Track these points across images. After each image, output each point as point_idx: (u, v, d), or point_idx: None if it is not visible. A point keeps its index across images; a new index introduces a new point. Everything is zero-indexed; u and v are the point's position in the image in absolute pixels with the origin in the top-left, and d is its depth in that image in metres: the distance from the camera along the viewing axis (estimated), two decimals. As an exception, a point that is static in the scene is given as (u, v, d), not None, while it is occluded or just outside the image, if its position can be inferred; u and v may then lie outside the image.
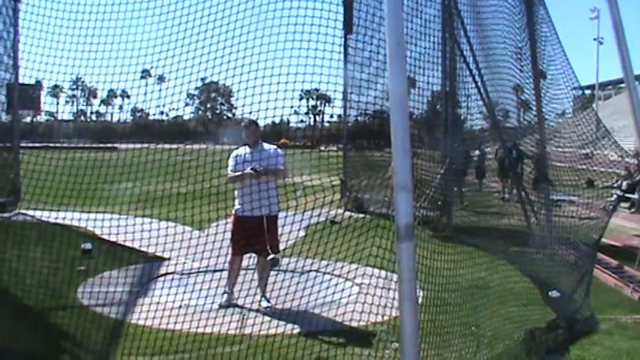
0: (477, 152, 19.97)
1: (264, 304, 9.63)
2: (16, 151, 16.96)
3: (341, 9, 8.76)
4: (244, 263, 10.14)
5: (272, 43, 7.51)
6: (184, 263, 11.17)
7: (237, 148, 9.97)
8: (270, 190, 9.30)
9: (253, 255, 10.08)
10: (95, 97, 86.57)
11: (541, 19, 11.18)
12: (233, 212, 9.90)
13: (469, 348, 7.37)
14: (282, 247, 10.10)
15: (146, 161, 9.03)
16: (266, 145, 9.80)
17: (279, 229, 9.66)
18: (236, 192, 9.80)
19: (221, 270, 10.18)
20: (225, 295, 9.86)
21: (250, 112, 8.22)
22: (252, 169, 9.35)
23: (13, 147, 17.00)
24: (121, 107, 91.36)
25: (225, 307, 9.63)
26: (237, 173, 9.57)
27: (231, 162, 9.77)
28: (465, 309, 7.80)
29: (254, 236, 9.67)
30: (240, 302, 9.34)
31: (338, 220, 9.49)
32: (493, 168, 21.95)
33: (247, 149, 9.82)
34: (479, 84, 10.74)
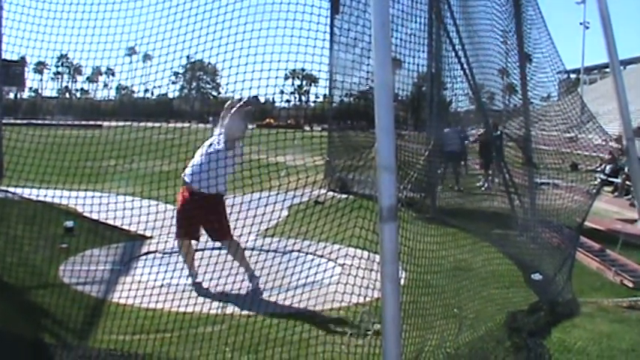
0: (462, 135, 20.05)
1: (247, 284, 9.62)
2: (-2, 128, 16.84)
3: (328, -12, 8.71)
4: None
5: (257, 21, 7.43)
6: (166, 242, 11.13)
7: None
8: (222, 166, 8.96)
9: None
10: (80, 74, 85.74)
11: (527, 2, 11.15)
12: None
13: (451, 330, 7.39)
14: (264, 227, 10.08)
15: (129, 139, 8.97)
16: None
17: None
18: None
19: (203, 249, 10.14)
20: (190, 278, 9.87)
21: (234, 91, 8.18)
22: None
23: (-4, 123, 16.88)
24: (105, 85, 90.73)
25: (194, 287, 9.64)
26: None
27: None
28: (448, 291, 7.80)
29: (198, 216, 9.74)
30: (221, 282, 9.32)
31: (321, 201, 9.47)
32: (476, 150, 22.03)
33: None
34: (464, 66, 10.71)
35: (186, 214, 9.74)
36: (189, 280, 9.81)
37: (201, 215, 9.63)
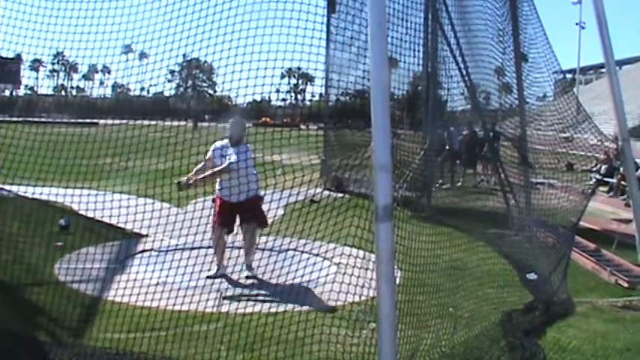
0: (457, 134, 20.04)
1: (246, 273, 9.77)
2: (-6, 125, 16.81)
3: (324, -13, 8.72)
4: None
5: (254, 20, 7.42)
6: (162, 240, 11.13)
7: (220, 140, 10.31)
8: (250, 175, 9.64)
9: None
10: (76, 71, 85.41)
11: (523, 0, 11.16)
12: (217, 194, 10.07)
13: (446, 329, 7.41)
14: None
15: (125, 137, 8.97)
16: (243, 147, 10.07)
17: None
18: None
19: (199, 247, 10.15)
20: (216, 269, 9.98)
21: (230, 90, 8.17)
22: (178, 182, 9.85)
23: (-8, 121, 16.87)
24: (101, 83, 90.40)
25: (213, 277, 9.78)
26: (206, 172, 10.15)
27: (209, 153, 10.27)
28: (443, 290, 7.82)
29: (236, 216, 10.11)
30: (217, 279, 9.35)
31: (317, 199, 9.48)
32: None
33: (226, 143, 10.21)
34: (460, 65, 10.71)
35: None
36: (212, 271, 9.92)
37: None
